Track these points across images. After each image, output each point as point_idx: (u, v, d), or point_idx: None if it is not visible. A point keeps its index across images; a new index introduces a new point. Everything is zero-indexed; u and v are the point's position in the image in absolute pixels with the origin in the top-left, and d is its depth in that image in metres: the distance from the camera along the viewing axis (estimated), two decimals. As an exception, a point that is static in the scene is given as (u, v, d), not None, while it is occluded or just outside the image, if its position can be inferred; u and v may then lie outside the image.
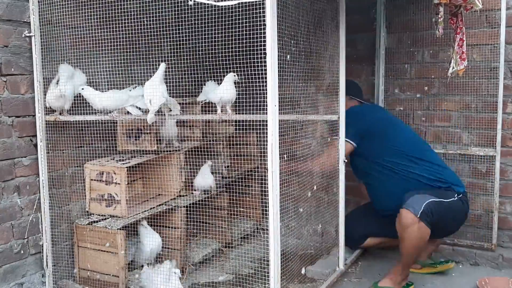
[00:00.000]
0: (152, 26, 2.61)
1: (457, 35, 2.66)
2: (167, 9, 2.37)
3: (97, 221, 2.64)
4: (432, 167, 2.88)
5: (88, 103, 2.62)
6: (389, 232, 2.89)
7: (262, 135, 2.10)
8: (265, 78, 1.99)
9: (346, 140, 2.85)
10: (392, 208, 2.77)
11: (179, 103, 2.91)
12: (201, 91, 3.09)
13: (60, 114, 2.59)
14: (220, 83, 2.52)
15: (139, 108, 2.67)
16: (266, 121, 2.01)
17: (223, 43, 2.52)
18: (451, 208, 2.73)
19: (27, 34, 2.51)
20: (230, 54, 2.43)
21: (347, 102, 2.90)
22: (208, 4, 2.08)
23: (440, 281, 2.92)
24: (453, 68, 2.71)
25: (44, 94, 2.56)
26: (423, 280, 2.97)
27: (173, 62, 2.54)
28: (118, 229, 2.54)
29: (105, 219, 2.66)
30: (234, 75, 2.47)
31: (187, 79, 2.82)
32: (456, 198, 2.78)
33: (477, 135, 3.24)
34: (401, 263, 2.74)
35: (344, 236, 2.93)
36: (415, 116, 3.47)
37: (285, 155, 2.23)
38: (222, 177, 3.20)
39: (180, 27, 2.42)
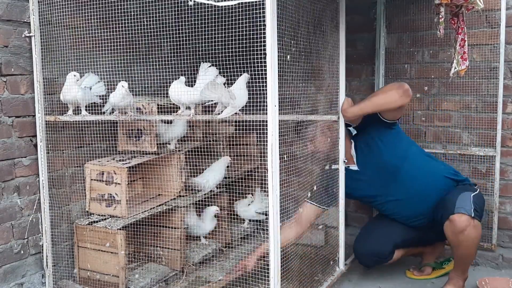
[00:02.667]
0: (152, 26, 2.61)
1: (459, 35, 2.66)
2: (167, 10, 2.37)
3: (97, 221, 2.64)
4: (441, 163, 2.91)
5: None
6: (413, 241, 2.93)
7: (262, 135, 2.10)
8: (265, 78, 1.99)
9: None
10: (425, 212, 2.75)
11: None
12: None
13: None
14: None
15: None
16: (266, 121, 2.01)
17: (223, 43, 2.52)
18: (483, 199, 2.75)
19: (27, 34, 2.52)
20: (230, 54, 2.43)
21: None
22: (208, 4, 2.08)
23: (440, 280, 2.92)
24: (455, 68, 2.71)
25: (44, 94, 2.57)
26: (422, 281, 2.97)
27: (173, 62, 2.54)
28: (118, 229, 2.54)
29: (105, 219, 2.67)
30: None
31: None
32: (479, 190, 2.77)
33: (477, 135, 3.24)
34: (460, 267, 2.67)
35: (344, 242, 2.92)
36: (415, 116, 3.47)
37: (285, 155, 2.23)
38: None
39: (180, 27, 2.42)
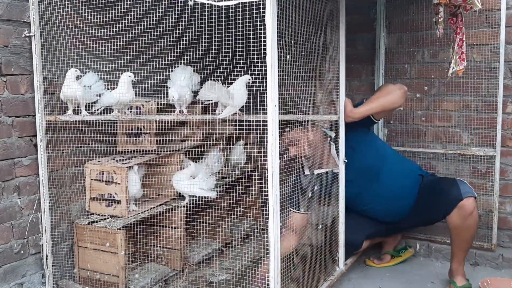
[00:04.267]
0: (152, 26, 2.61)
1: (457, 35, 2.66)
2: (167, 9, 2.37)
3: (97, 221, 2.64)
4: (411, 161, 3.22)
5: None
6: (380, 233, 3.14)
7: (262, 135, 2.10)
8: (265, 78, 1.99)
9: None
10: (401, 210, 2.93)
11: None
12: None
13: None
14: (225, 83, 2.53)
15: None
16: (266, 121, 2.01)
17: (223, 43, 2.52)
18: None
19: (27, 34, 2.52)
20: (230, 54, 2.44)
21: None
22: (208, 4, 2.08)
23: (440, 280, 2.92)
24: (453, 68, 2.71)
25: (44, 94, 2.56)
26: (422, 279, 2.97)
27: (173, 62, 2.54)
28: (118, 229, 2.54)
29: (105, 219, 2.67)
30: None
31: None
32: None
33: (477, 135, 3.24)
34: (462, 254, 2.77)
35: (344, 242, 2.91)
36: (415, 116, 3.47)
37: (285, 155, 2.23)
38: (222, 177, 3.20)
39: (180, 27, 2.42)
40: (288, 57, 2.28)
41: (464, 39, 2.67)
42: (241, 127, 2.76)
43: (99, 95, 2.67)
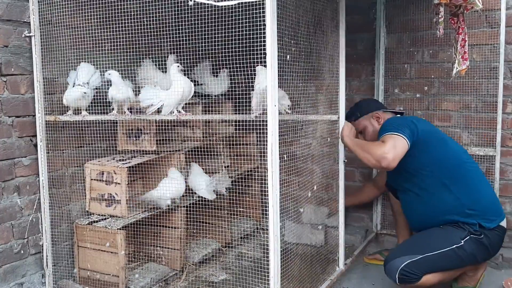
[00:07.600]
0: (152, 26, 2.61)
1: (459, 35, 2.66)
2: (167, 9, 2.37)
3: (97, 221, 2.64)
4: (464, 196, 2.54)
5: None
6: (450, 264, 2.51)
7: (262, 135, 2.10)
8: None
9: (400, 136, 2.47)
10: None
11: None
12: (201, 91, 3.09)
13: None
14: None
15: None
16: (266, 121, 2.01)
17: (223, 43, 2.52)
18: (448, 257, 2.45)
19: (27, 34, 2.52)
20: (230, 54, 2.44)
21: (383, 115, 2.88)
22: (208, 4, 2.08)
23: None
24: (456, 68, 2.70)
25: (44, 94, 2.56)
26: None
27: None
28: (118, 229, 2.54)
29: (105, 219, 2.67)
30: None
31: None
32: (461, 242, 2.47)
33: (477, 135, 3.24)
34: None
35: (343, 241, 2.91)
36: (415, 116, 3.47)
37: (285, 155, 2.23)
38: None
39: (180, 27, 2.42)
40: (288, 57, 2.28)
41: (466, 38, 2.67)
42: (241, 127, 2.76)
43: (95, 88, 2.66)
